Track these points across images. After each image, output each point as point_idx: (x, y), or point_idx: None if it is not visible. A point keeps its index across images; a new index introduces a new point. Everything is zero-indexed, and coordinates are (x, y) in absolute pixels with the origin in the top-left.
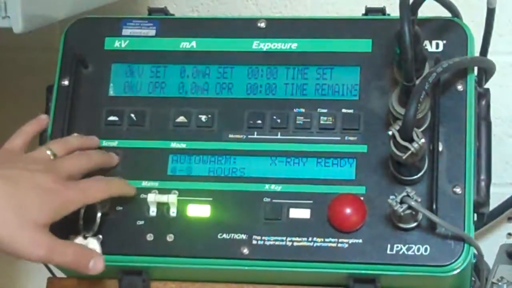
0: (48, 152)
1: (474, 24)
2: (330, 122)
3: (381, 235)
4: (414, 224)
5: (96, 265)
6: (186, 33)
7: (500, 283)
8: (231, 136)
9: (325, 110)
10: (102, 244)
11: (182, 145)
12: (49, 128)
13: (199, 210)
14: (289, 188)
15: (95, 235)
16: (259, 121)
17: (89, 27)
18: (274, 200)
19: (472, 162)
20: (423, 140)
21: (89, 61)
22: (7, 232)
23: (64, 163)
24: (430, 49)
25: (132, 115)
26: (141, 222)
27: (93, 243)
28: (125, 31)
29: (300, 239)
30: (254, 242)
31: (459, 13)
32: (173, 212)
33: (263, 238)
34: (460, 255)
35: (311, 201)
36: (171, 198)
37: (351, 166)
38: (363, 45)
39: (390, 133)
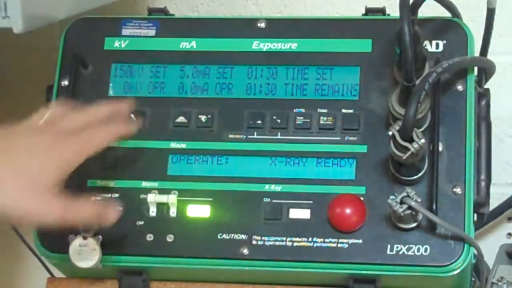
0: (43, 115)
1: (474, 24)
2: (330, 122)
3: (381, 235)
4: (414, 224)
5: (112, 216)
6: (186, 33)
7: (500, 283)
8: (231, 136)
9: (325, 110)
10: (102, 244)
11: (182, 145)
12: None
13: (199, 210)
14: (289, 188)
15: (95, 235)
16: (259, 121)
17: (89, 27)
18: (274, 200)
19: (472, 162)
20: (423, 140)
21: (89, 61)
22: (19, 199)
23: (59, 121)
24: (430, 49)
25: (132, 115)
26: (141, 222)
27: (93, 244)
28: (125, 31)
29: (300, 239)
30: (254, 242)
31: (459, 13)
32: (173, 212)
33: (263, 238)
34: (460, 255)
35: (311, 201)
36: (171, 198)
37: (351, 166)
38: (363, 45)
39: (390, 133)
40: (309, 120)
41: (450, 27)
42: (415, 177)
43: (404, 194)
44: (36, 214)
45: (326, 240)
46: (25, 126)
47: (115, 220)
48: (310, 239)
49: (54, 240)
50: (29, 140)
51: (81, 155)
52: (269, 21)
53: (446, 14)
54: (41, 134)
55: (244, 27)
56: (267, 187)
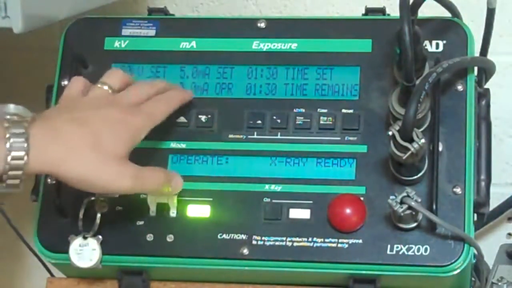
0: (105, 87)
1: (474, 24)
2: (330, 122)
3: (381, 235)
4: (414, 224)
5: (177, 185)
6: (186, 33)
7: (500, 283)
8: (231, 136)
9: (325, 110)
10: (102, 244)
11: (182, 145)
12: None
13: (199, 210)
14: (289, 188)
15: (95, 235)
16: (259, 121)
17: (89, 27)
18: (274, 200)
19: (472, 162)
20: (423, 140)
21: (89, 61)
22: (92, 169)
23: (124, 94)
24: (430, 49)
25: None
26: (141, 222)
27: (93, 243)
28: (125, 31)
29: (300, 239)
30: (254, 242)
31: (459, 13)
32: (173, 212)
33: (263, 238)
34: (460, 255)
35: (311, 201)
36: (171, 198)
37: (351, 166)
38: (363, 45)
39: (390, 133)
40: (309, 120)
41: (450, 27)
42: (415, 177)
43: (404, 194)
44: (111, 183)
45: (326, 240)
46: (92, 99)
47: (179, 189)
48: (310, 239)
49: (54, 240)
50: (101, 112)
51: (147, 126)
52: (269, 21)
53: (446, 14)
54: (110, 106)
55: (244, 27)
56: (267, 187)
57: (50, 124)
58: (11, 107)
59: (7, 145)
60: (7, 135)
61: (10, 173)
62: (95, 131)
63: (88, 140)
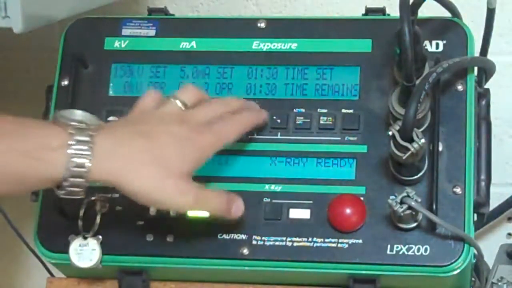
0: (178, 103)
1: (474, 24)
2: (330, 122)
3: (381, 235)
4: (414, 224)
5: (238, 210)
6: (186, 33)
7: (500, 283)
8: None
9: (325, 110)
10: (102, 244)
11: None
12: None
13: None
14: (289, 188)
15: (95, 235)
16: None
17: (89, 27)
18: (274, 200)
19: (472, 162)
20: (423, 140)
21: (89, 61)
22: (155, 184)
23: (196, 111)
24: (430, 49)
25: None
26: (141, 222)
27: (93, 244)
28: (125, 31)
29: (300, 239)
30: (254, 242)
31: (459, 13)
32: (173, 212)
33: (263, 238)
34: (460, 255)
35: (311, 201)
36: None
37: (351, 166)
38: (363, 45)
39: (390, 133)
40: (309, 120)
41: (450, 27)
42: (415, 177)
43: (404, 194)
44: (172, 201)
45: (326, 240)
46: (162, 113)
47: (240, 215)
48: (310, 239)
49: (54, 240)
50: (169, 128)
51: (215, 146)
52: (269, 21)
53: (446, 14)
54: (180, 123)
55: (244, 27)
56: (267, 187)
57: (115, 135)
58: (78, 113)
59: (70, 152)
60: (71, 142)
61: (71, 180)
62: (160, 146)
63: (151, 154)
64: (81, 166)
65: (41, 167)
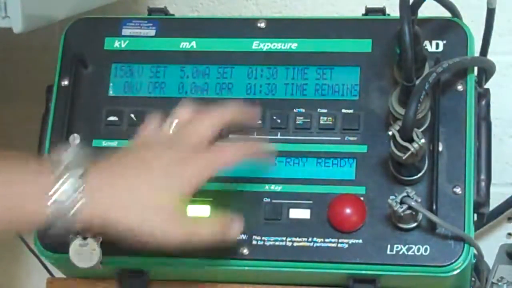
0: (173, 127)
1: (474, 24)
2: (330, 122)
3: (381, 235)
4: (414, 224)
5: (235, 232)
6: (186, 33)
7: (500, 283)
8: (231, 136)
9: (325, 110)
10: (102, 244)
11: None
12: (49, 128)
13: (199, 210)
14: (289, 188)
15: (95, 235)
16: (259, 121)
17: (89, 27)
18: (274, 200)
19: (472, 162)
20: (423, 140)
21: (89, 61)
22: (139, 220)
23: (189, 131)
24: (430, 49)
25: (132, 115)
26: None
27: (93, 244)
28: (125, 31)
29: (300, 239)
30: (254, 242)
31: (459, 13)
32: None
33: (263, 238)
34: (460, 255)
35: (311, 201)
36: None
37: (351, 166)
38: (363, 45)
39: (390, 133)
40: (309, 120)
41: (450, 27)
42: (415, 177)
43: (404, 194)
44: (160, 235)
45: (326, 240)
46: (154, 139)
47: (238, 236)
48: (310, 239)
49: (54, 240)
50: (162, 156)
51: (210, 172)
52: (269, 21)
53: (446, 14)
54: (171, 148)
55: (244, 27)
56: (267, 187)
57: (104, 173)
58: (70, 151)
59: (60, 190)
60: (61, 180)
61: (59, 217)
62: (143, 182)
63: (135, 192)
64: (68, 210)
65: (26, 213)
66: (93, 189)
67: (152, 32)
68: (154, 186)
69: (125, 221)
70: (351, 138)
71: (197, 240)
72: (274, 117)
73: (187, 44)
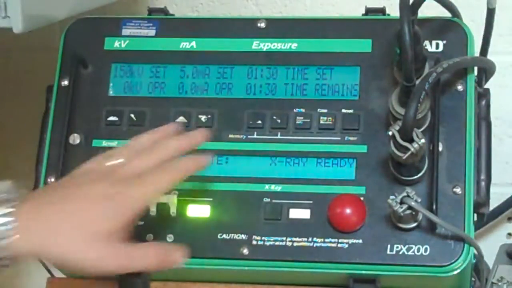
0: (115, 159)
1: (474, 24)
2: (330, 122)
3: (381, 235)
4: (414, 224)
5: (177, 259)
6: (186, 33)
7: (500, 283)
8: (231, 136)
9: (325, 110)
10: None
11: None
12: (49, 128)
13: (199, 210)
14: (289, 188)
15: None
16: (259, 121)
17: (89, 27)
18: (274, 200)
19: (472, 162)
20: (423, 140)
21: (89, 61)
22: (72, 250)
23: (128, 164)
24: (430, 49)
25: (132, 115)
26: (141, 222)
27: None
28: (125, 31)
29: (300, 239)
30: (254, 242)
31: (459, 13)
32: (173, 212)
33: (263, 238)
34: (460, 255)
35: (311, 201)
36: (171, 198)
37: (351, 166)
38: (363, 45)
39: (390, 133)
40: (309, 120)
41: (450, 27)
42: (415, 177)
43: (404, 194)
44: (93, 264)
45: (326, 240)
46: (87, 171)
47: (182, 263)
48: (310, 239)
49: None
50: (88, 187)
51: (144, 201)
52: (269, 21)
53: (446, 14)
54: (101, 181)
55: (244, 27)
56: (267, 187)
57: (35, 205)
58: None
59: None
60: None
61: None
62: (77, 210)
63: (69, 220)
64: (3, 238)
65: None
66: (25, 221)
67: (152, 32)
68: (79, 215)
69: (54, 253)
70: (351, 138)
71: (132, 268)
72: (274, 117)
73: (187, 44)
